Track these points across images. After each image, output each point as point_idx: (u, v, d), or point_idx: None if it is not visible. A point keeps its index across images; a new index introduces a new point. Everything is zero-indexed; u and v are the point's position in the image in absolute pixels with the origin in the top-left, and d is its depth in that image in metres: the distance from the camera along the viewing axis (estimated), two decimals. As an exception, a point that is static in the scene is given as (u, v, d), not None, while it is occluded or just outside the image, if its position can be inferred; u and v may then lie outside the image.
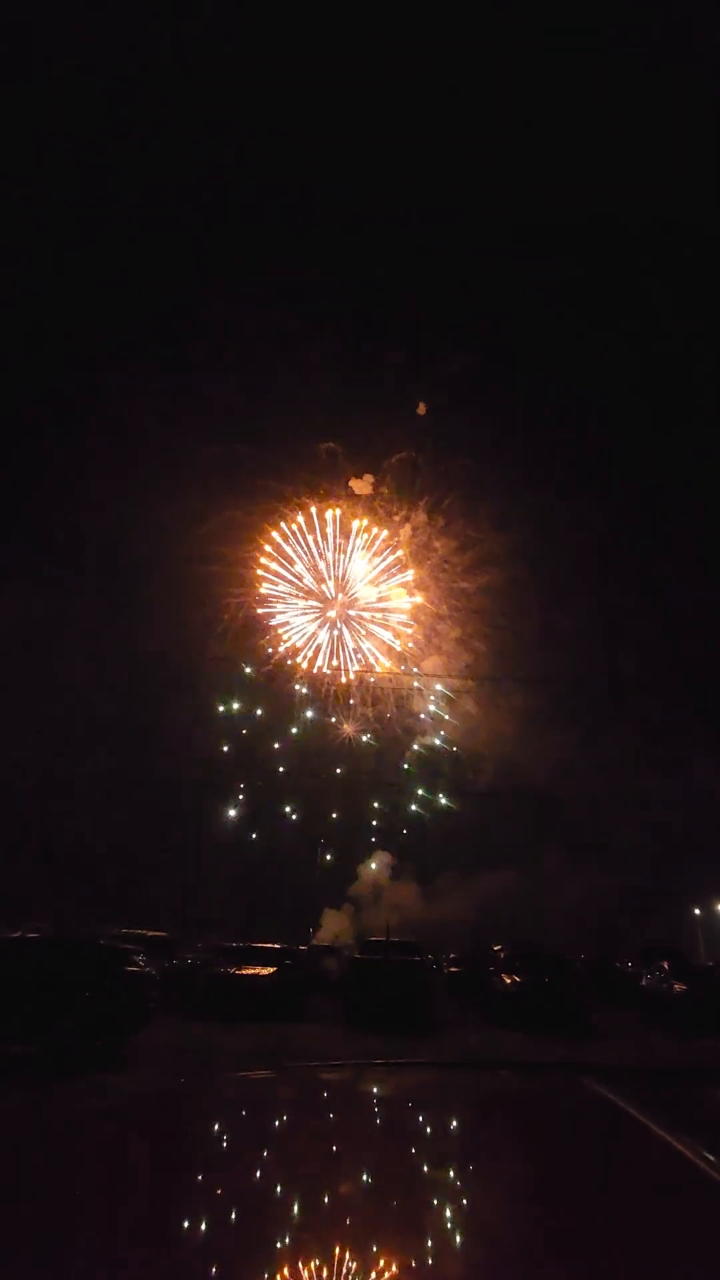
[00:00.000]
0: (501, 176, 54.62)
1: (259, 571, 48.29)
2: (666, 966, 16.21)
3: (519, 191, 53.76)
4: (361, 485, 48.37)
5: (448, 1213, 0.90)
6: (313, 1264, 0.74)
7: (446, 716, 50.13)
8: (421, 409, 48.59)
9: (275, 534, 48.18)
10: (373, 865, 47.06)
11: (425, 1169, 1.05)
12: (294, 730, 49.48)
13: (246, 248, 52.70)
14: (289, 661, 49.25)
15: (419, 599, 49.86)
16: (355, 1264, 0.77)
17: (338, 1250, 0.77)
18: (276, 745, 49.41)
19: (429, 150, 53.63)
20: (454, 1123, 1.35)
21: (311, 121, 52.25)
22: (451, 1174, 1.04)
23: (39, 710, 37.18)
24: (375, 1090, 1.72)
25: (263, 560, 48.46)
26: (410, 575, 49.90)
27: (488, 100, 50.40)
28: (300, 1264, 0.74)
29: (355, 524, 48.91)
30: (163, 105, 43.56)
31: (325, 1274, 0.73)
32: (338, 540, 48.59)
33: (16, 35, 38.24)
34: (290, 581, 49.19)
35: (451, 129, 53.22)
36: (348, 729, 49.16)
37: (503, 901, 39.79)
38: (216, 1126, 1.29)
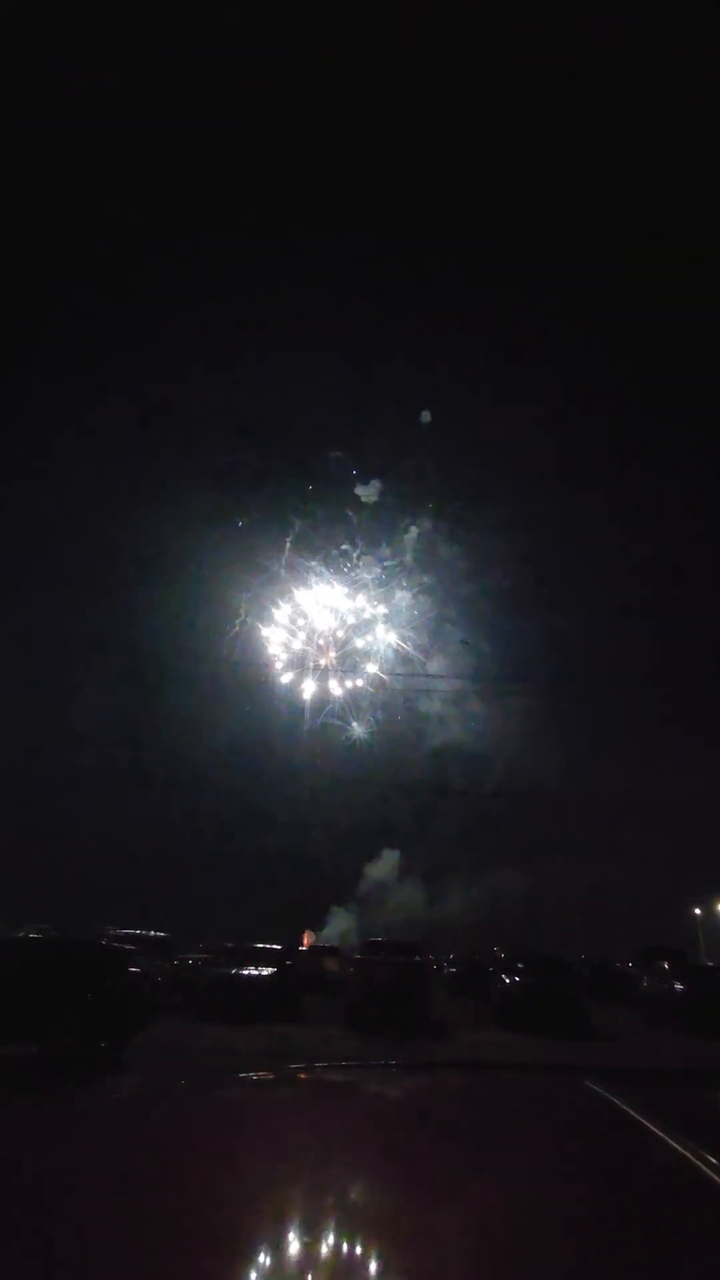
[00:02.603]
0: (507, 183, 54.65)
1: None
2: (667, 967, 16.18)
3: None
4: (368, 493, 48.70)
5: (450, 1215, 0.90)
6: (316, 1267, 0.74)
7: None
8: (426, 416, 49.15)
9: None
10: (380, 864, 46.91)
11: (427, 1172, 1.05)
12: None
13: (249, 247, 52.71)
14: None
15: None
16: (358, 1267, 0.77)
17: (342, 1253, 0.78)
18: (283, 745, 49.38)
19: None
20: (455, 1125, 1.36)
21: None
22: (453, 1176, 1.05)
23: (38, 708, 37.18)
24: (374, 1091, 1.72)
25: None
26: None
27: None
28: (303, 1268, 0.74)
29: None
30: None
31: (328, 1277, 0.73)
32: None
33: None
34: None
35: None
36: (356, 729, 49.33)
37: (505, 901, 39.85)
38: (219, 1128, 1.30)
